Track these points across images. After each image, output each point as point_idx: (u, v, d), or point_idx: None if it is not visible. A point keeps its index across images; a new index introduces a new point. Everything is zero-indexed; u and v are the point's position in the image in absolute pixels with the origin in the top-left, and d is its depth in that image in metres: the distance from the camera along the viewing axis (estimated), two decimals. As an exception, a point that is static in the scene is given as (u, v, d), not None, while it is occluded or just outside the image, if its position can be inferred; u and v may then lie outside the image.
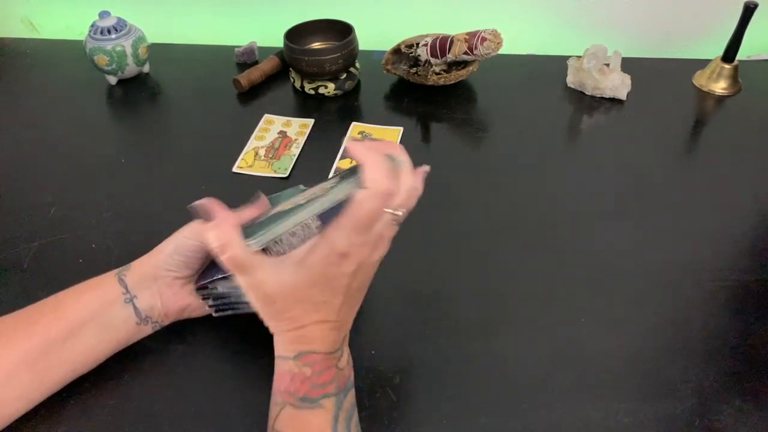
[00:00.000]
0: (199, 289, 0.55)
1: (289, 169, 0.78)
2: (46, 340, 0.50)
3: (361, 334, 0.57)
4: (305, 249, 0.45)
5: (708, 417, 0.51)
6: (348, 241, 0.43)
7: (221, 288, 0.53)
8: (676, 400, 0.52)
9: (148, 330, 0.56)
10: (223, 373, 0.55)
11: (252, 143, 0.82)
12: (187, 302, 0.56)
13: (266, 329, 0.57)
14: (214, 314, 0.56)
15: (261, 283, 0.44)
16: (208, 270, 0.55)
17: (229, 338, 0.58)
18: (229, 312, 0.55)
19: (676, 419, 0.51)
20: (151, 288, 0.54)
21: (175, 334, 0.58)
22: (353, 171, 0.46)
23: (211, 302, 0.55)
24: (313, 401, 0.43)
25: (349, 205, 0.42)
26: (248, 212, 0.48)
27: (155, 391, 0.54)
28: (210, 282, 0.53)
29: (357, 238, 0.43)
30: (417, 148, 0.80)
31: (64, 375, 0.52)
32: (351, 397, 0.46)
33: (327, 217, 0.45)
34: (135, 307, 0.54)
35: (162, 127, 0.88)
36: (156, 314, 0.55)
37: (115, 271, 0.54)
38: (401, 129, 0.84)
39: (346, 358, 0.47)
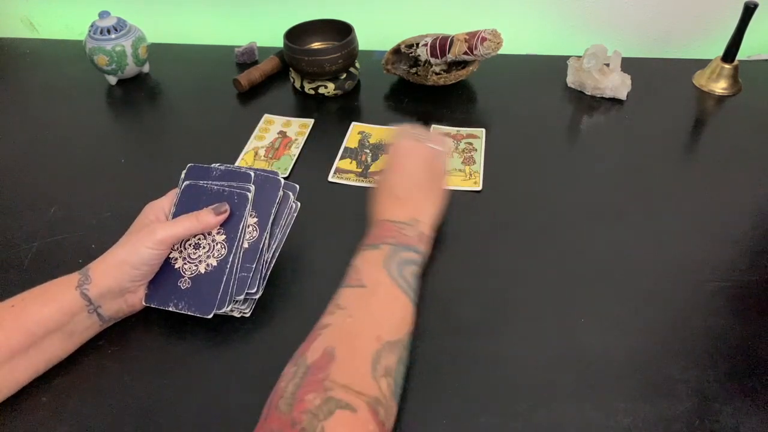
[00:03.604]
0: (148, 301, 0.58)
1: (289, 169, 0.78)
2: (8, 350, 0.50)
3: (361, 334, 0.57)
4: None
5: (708, 417, 0.51)
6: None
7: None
8: (676, 400, 0.52)
9: (112, 323, 0.58)
10: (222, 373, 0.55)
11: (252, 143, 0.82)
12: None
13: (265, 333, 0.57)
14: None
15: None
16: (158, 285, 0.58)
17: (229, 338, 0.58)
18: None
19: (676, 419, 0.51)
20: (117, 299, 0.56)
21: (176, 333, 0.58)
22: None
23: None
24: (375, 246, 0.56)
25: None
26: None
27: (155, 390, 0.54)
28: (166, 307, 0.58)
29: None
30: (417, 148, 0.80)
31: (27, 377, 0.53)
32: (411, 254, 0.56)
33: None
34: (99, 315, 0.55)
35: (162, 127, 0.88)
36: (122, 315, 0.58)
37: (75, 282, 0.54)
38: None
39: (414, 232, 0.58)
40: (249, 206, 0.59)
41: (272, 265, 0.60)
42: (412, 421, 0.51)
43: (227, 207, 0.58)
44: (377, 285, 0.53)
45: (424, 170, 0.63)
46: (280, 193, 0.60)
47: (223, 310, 0.56)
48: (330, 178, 0.76)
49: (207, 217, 0.57)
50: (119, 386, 0.54)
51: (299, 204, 0.62)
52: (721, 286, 0.62)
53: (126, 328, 0.59)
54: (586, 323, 0.59)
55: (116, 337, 0.58)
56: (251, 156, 0.80)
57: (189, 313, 0.57)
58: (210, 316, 0.56)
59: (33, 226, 0.71)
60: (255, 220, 0.59)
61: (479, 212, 0.71)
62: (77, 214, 0.72)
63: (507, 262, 0.65)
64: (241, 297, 0.57)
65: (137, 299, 0.57)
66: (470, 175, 0.76)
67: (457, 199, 0.73)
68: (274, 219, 0.60)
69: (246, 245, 0.58)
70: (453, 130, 0.83)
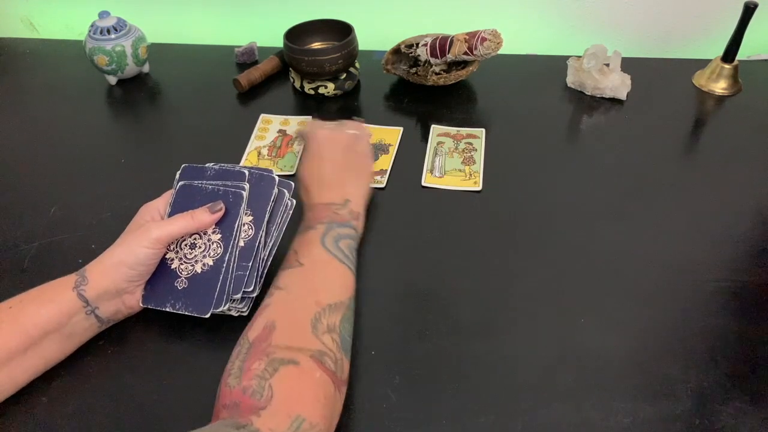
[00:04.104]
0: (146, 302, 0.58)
1: (295, 167, 0.78)
2: (7, 352, 0.50)
3: (361, 335, 0.57)
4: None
5: (708, 417, 0.51)
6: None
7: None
8: (676, 400, 0.52)
9: (110, 324, 0.58)
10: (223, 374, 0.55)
11: (253, 143, 0.82)
12: None
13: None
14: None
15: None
16: (155, 286, 0.58)
17: (229, 338, 0.58)
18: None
19: (676, 419, 0.51)
20: (114, 299, 0.56)
21: (175, 333, 0.58)
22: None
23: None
24: (310, 227, 0.59)
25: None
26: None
27: (155, 390, 0.54)
28: (163, 308, 0.58)
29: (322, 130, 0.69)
30: (417, 149, 0.80)
31: (26, 379, 0.53)
32: (345, 230, 0.59)
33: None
34: (97, 316, 0.55)
35: (162, 127, 0.88)
36: (120, 316, 0.58)
37: (72, 283, 0.54)
38: (401, 129, 0.84)
39: (346, 210, 0.61)
40: (244, 205, 0.59)
41: (269, 263, 0.60)
42: (412, 421, 0.51)
43: (222, 205, 0.58)
44: (315, 261, 0.55)
45: (344, 154, 0.67)
46: (275, 190, 0.60)
47: (220, 310, 0.56)
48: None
49: (202, 216, 0.57)
50: (119, 386, 0.54)
51: (295, 201, 0.62)
52: (721, 286, 0.62)
53: (126, 328, 0.59)
54: (586, 323, 0.59)
55: (116, 337, 0.58)
56: (255, 155, 0.80)
57: (186, 314, 0.57)
58: (207, 316, 0.56)
59: (33, 226, 0.71)
60: (250, 218, 0.59)
61: (479, 212, 0.71)
62: (77, 214, 0.72)
63: (507, 262, 0.65)
64: (238, 296, 0.57)
65: (135, 300, 0.57)
66: (470, 175, 0.76)
67: (457, 199, 0.73)
68: (269, 217, 0.60)
69: (242, 244, 0.58)
70: (453, 130, 0.84)
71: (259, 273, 0.58)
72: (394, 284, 0.63)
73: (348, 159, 0.67)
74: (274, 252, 0.60)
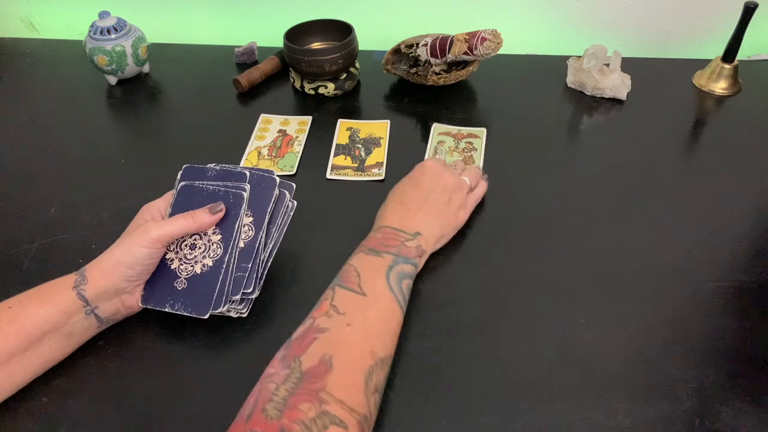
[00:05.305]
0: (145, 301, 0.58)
1: (296, 166, 0.78)
2: (6, 352, 0.50)
3: (361, 334, 0.57)
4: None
5: (708, 417, 0.51)
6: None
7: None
8: (676, 400, 0.52)
9: (110, 324, 0.58)
10: (222, 373, 0.55)
11: (253, 143, 0.82)
12: None
13: (265, 333, 0.58)
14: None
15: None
16: (155, 286, 0.58)
17: (229, 339, 0.58)
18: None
19: (676, 419, 0.51)
20: (113, 299, 0.56)
21: (175, 334, 0.58)
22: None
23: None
24: (377, 252, 0.57)
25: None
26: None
27: (155, 391, 0.54)
28: (162, 308, 0.57)
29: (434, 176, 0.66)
30: (416, 149, 0.80)
31: (26, 379, 0.53)
32: (409, 267, 0.57)
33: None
34: (97, 316, 0.55)
35: (162, 127, 0.88)
36: (119, 316, 0.58)
37: (72, 282, 0.54)
38: (388, 121, 0.85)
39: (415, 244, 0.59)
40: (244, 206, 0.59)
41: (269, 264, 0.60)
42: (412, 421, 0.51)
43: (223, 206, 0.58)
44: (378, 296, 0.53)
45: (441, 192, 0.64)
46: (276, 191, 0.60)
47: (219, 310, 0.56)
48: (328, 176, 0.77)
49: (202, 216, 0.57)
50: (119, 386, 0.54)
51: (296, 203, 0.62)
52: (721, 286, 0.62)
53: (126, 329, 0.59)
54: (586, 323, 0.59)
55: (116, 337, 0.58)
56: (255, 156, 0.80)
57: (185, 314, 0.57)
58: (206, 317, 0.56)
59: (33, 226, 0.71)
60: (251, 219, 0.59)
61: (479, 212, 0.71)
62: (77, 214, 0.72)
63: (507, 262, 0.65)
64: (238, 297, 0.57)
65: (134, 300, 0.57)
66: (470, 175, 0.76)
67: (457, 199, 0.73)
68: (270, 218, 0.60)
69: (242, 245, 0.58)
70: (454, 129, 0.84)
71: (259, 274, 0.58)
72: (394, 284, 0.63)
73: (440, 199, 0.64)
74: (274, 253, 0.60)
